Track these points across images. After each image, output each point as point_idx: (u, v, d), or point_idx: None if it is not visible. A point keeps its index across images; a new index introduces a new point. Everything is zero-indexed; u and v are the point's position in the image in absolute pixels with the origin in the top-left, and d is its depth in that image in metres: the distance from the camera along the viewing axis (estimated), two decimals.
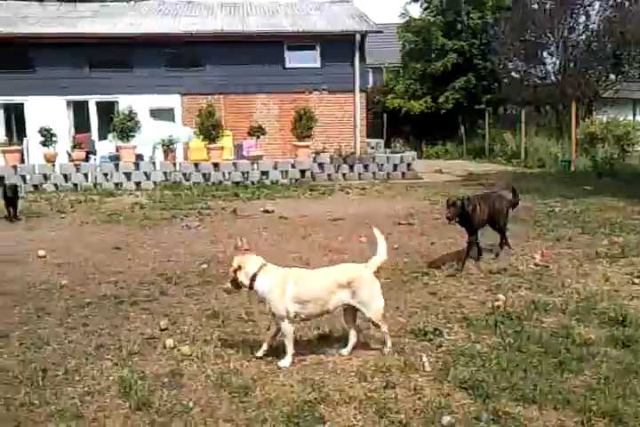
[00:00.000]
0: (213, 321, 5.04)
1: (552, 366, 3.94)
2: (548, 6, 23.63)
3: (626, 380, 3.71)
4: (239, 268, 4.18)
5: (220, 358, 4.26)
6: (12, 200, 10.65)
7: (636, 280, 6.01)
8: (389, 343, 4.29)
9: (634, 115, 24.51)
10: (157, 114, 19.26)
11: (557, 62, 24.31)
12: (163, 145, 15.67)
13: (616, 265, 6.69)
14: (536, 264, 6.73)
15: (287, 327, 4.14)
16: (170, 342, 4.52)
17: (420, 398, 3.58)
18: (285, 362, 4.13)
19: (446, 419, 3.29)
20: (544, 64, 25.02)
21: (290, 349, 4.15)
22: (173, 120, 19.70)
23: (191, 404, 3.58)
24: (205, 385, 3.84)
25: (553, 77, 24.50)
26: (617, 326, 4.65)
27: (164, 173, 15.46)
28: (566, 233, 8.52)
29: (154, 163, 15.85)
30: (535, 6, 24.30)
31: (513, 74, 26.13)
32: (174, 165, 15.69)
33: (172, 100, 19.92)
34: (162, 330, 4.83)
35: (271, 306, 4.15)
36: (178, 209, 11.64)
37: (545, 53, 24.84)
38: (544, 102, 24.81)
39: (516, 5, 24.43)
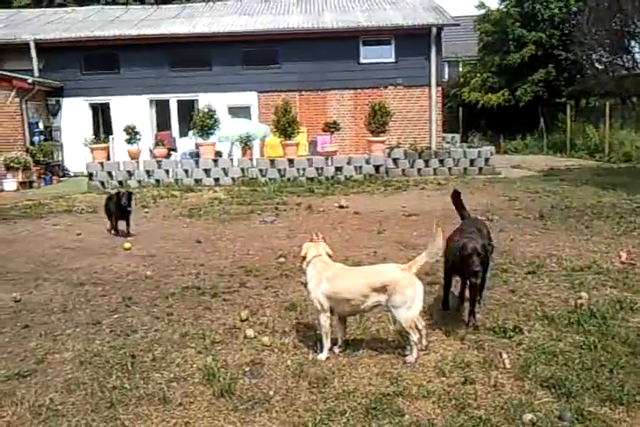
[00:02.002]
0: (291, 313, 5.15)
1: (639, 367, 3.80)
2: None
3: None
4: (305, 255, 4.36)
5: (299, 349, 4.36)
6: (125, 212, 9.09)
7: None
8: (415, 354, 4.02)
9: None
10: (235, 111, 19.71)
11: None
12: (240, 142, 16.01)
13: None
14: (622, 262, 6.47)
15: (322, 320, 4.17)
16: (250, 332, 4.66)
17: (499, 395, 3.54)
18: (322, 356, 4.16)
19: (528, 417, 3.24)
20: (631, 54, 23.82)
21: (325, 343, 4.17)
22: (250, 117, 20.08)
23: (271, 393, 3.68)
24: (285, 375, 3.93)
25: None
26: None
27: (242, 170, 15.81)
28: None
29: (232, 159, 16.22)
30: None
31: (597, 65, 25.03)
32: (251, 161, 16.01)
33: (249, 98, 20.31)
34: (242, 321, 4.98)
35: (309, 296, 4.26)
36: (255, 204, 11.90)
37: (632, 42, 23.64)
38: (631, 94, 23.64)
39: None
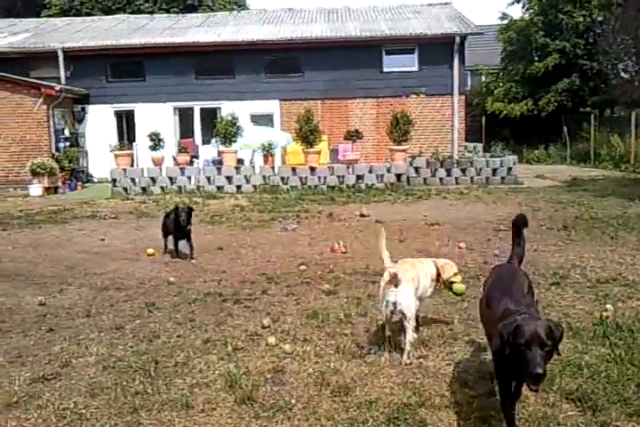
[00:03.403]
0: (313, 321, 5.14)
1: None
2: None
3: None
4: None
5: (320, 357, 4.35)
6: (184, 231, 7.84)
7: None
8: (405, 357, 4.16)
9: None
10: (257, 119, 19.85)
11: None
12: (262, 150, 16.10)
13: None
14: None
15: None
16: (272, 339, 4.66)
17: (524, 408, 3.49)
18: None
19: None
20: None
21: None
22: (272, 125, 20.19)
23: (293, 400, 3.68)
24: (307, 383, 3.93)
25: None
26: None
27: (263, 177, 15.88)
28: None
29: (254, 167, 16.32)
30: None
31: (623, 74, 24.75)
32: (273, 169, 16.08)
33: (272, 106, 20.44)
34: (264, 328, 4.99)
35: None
36: (276, 212, 11.94)
37: None
38: None
39: (628, 2, 23.13)
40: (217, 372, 4.13)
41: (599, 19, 24.90)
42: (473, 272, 6.72)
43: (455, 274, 4.82)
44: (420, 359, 4.24)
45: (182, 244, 8.05)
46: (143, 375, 4.09)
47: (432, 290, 4.80)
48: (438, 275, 4.75)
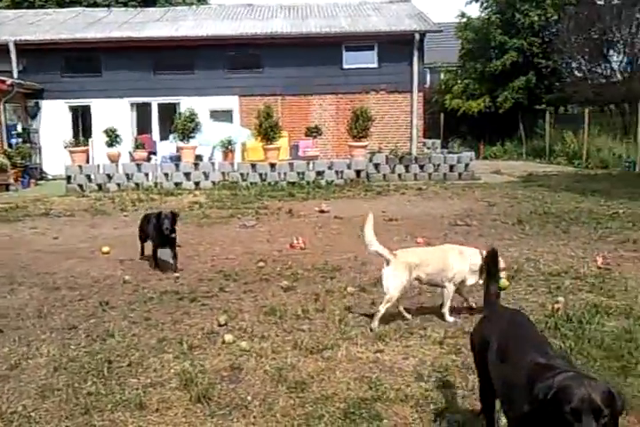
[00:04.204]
0: (271, 317, 5.12)
1: (615, 371, 3.85)
2: (615, 2, 22.86)
3: None
4: None
5: (278, 353, 4.34)
6: (167, 239, 6.92)
7: None
8: (373, 323, 4.75)
9: None
10: (217, 115, 19.67)
11: (624, 60, 23.46)
12: (221, 146, 15.96)
13: None
14: (598, 267, 6.54)
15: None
16: (229, 337, 4.63)
17: (478, 399, 3.54)
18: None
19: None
20: (609, 62, 24.19)
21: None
22: (231, 121, 20.04)
23: (250, 398, 3.66)
24: (263, 380, 3.91)
25: (619, 76, 23.66)
26: None
27: (223, 174, 15.75)
28: (630, 236, 8.24)
29: (213, 163, 16.17)
30: (601, 2, 23.53)
31: (576, 72, 25.38)
32: (232, 165, 15.97)
33: (231, 102, 20.28)
34: (221, 325, 4.95)
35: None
36: (235, 208, 11.85)
37: (611, 51, 24.01)
38: (608, 102, 24.00)
39: (581, 2, 23.71)
40: (172, 371, 4.08)
41: (554, 18, 25.45)
42: None
43: (503, 269, 4.86)
44: (377, 354, 4.26)
45: (161, 251, 7.13)
46: (96, 376, 4.00)
47: (476, 278, 5.00)
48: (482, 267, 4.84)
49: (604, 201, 11.57)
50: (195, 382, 3.82)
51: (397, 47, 19.93)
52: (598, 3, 23.53)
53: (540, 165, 20.92)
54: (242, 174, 15.73)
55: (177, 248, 7.09)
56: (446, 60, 29.88)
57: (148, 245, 7.46)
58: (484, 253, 4.74)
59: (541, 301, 5.43)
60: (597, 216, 9.91)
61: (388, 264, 4.81)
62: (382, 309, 4.78)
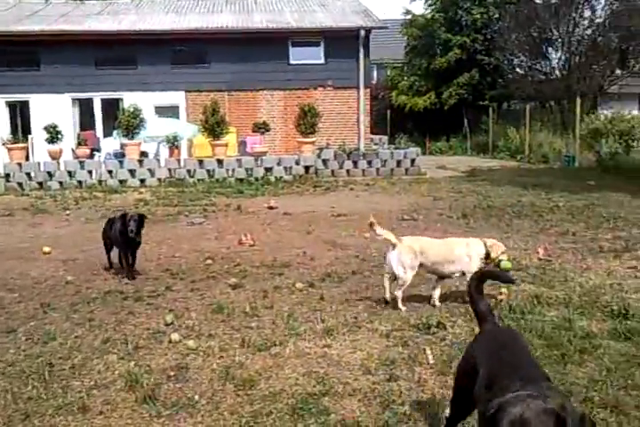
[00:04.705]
0: (218, 316, 5.07)
1: (555, 359, 3.97)
2: (553, 1, 23.56)
3: (627, 371, 3.74)
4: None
5: (225, 351, 4.30)
6: (133, 242, 6.46)
7: (639, 274, 6.03)
8: (399, 305, 5.10)
9: (639, 110, 24.40)
10: (162, 111, 19.30)
11: (562, 57, 24.23)
12: (167, 142, 15.70)
13: (619, 259, 6.70)
14: (539, 259, 6.75)
15: None
16: (175, 336, 4.56)
17: (423, 391, 3.61)
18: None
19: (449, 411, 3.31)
20: (549, 59, 24.94)
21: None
22: (178, 117, 19.73)
23: (197, 397, 3.62)
24: (211, 378, 3.87)
25: (558, 73, 24.42)
26: (619, 319, 4.67)
27: (169, 170, 15.50)
28: (570, 228, 8.53)
29: (158, 160, 15.89)
30: (540, 1, 24.21)
31: (517, 69, 26.06)
32: (179, 161, 15.73)
33: (177, 97, 19.95)
34: (167, 325, 4.87)
35: None
36: (182, 206, 11.69)
37: (550, 49, 24.76)
38: (548, 98, 24.75)
39: (521, 0, 24.34)
40: (117, 372, 3.99)
41: (496, 16, 26.04)
42: (377, 261, 6.87)
43: (503, 253, 5.32)
44: (325, 349, 4.28)
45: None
46: (37, 380, 3.88)
47: (481, 266, 5.23)
48: (487, 254, 5.25)
49: (545, 194, 11.94)
50: (140, 383, 3.75)
51: (343, 43, 19.99)
52: (537, 2, 24.19)
53: (483, 160, 21.40)
54: (189, 171, 15.51)
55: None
56: (393, 56, 30.18)
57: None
58: (487, 241, 5.33)
59: (485, 292, 5.50)
60: (539, 209, 10.21)
61: (393, 248, 5.14)
62: (399, 293, 5.11)
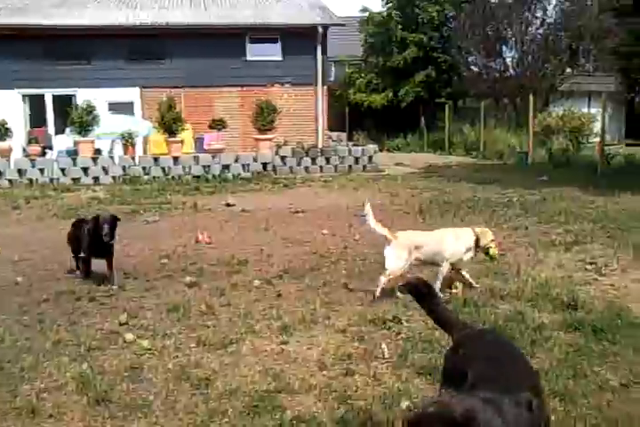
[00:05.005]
0: (174, 315, 5.01)
1: None
2: (507, 0, 24.02)
3: (576, 361, 3.84)
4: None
5: (181, 351, 4.26)
6: (105, 247, 5.99)
7: (589, 267, 6.20)
8: (376, 292, 5.21)
9: (589, 107, 25.10)
10: (116, 107, 18.93)
11: (516, 56, 24.73)
12: (122, 139, 15.42)
13: (570, 252, 6.88)
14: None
15: None
16: (129, 336, 4.48)
17: (379, 385, 3.64)
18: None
19: (405, 404, 3.35)
20: (503, 58, 25.43)
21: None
22: (133, 114, 19.39)
23: (151, 397, 3.57)
24: (166, 378, 3.82)
25: (512, 71, 24.92)
26: (569, 311, 4.79)
27: (123, 168, 15.23)
28: (523, 222, 8.72)
29: (112, 157, 15.59)
30: (495, 0, 24.64)
31: (473, 67, 26.47)
32: (133, 159, 15.47)
33: (132, 94, 19.60)
34: (121, 325, 4.78)
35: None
36: (137, 204, 11.49)
37: (504, 47, 25.26)
38: (503, 95, 25.23)
39: (475, 0, 24.73)
40: (68, 374, 3.89)
41: (452, 14, 26.40)
42: (335, 257, 6.90)
43: (492, 240, 5.53)
44: (282, 345, 4.27)
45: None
46: None
47: (471, 254, 5.50)
48: (477, 242, 5.44)
49: (499, 190, 12.18)
50: (93, 385, 3.67)
51: (301, 40, 19.98)
52: (492, 1, 24.63)
53: (440, 157, 21.69)
54: (144, 168, 15.27)
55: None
56: (351, 54, 30.27)
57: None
58: (476, 229, 5.55)
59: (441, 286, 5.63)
60: (493, 204, 10.41)
61: (389, 244, 5.27)
62: (383, 281, 5.23)
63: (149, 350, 4.26)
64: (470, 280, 5.53)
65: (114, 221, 6.01)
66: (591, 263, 6.29)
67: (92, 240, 5.97)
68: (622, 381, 3.57)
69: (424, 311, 2.95)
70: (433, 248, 5.41)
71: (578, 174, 14.37)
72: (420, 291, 2.85)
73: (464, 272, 5.56)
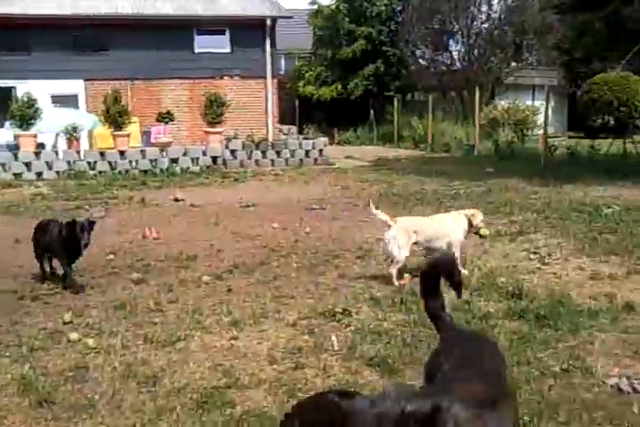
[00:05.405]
0: (120, 312, 4.90)
1: None
2: None
3: (520, 348, 3.94)
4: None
5: (128, 348, 4.17)
6: (78, 253, 5.64)
7: (532, 256, 6.37)
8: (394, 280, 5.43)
9: (533, 100, 25.76)
10: (60, 100, 18.37)
11: (462, 50, 25.14)
12: (66, 133, 14.98)
13: (515, 242, 7.06)
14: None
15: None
16: (74, 335, 4.37)
17: (329, 377, 3.65)
18: None
19: None
20: (450, 51, 25.82)
21: None
22: (77, 107, 18.85)
23: (97, 397, 3.48)
24: (112, 377, 3.74)
25: (458, 64, 25.33)
26: (514, 300, 4.91)
27: (68, 163, 14.80)
28: None
29: (56, 152, 15.13)
30: None
31: (421, 61, 26.78)
32: (78, 153, 15.05)
33: (76, 86, 19.06)
34: (65, 324, 4.65)
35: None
36: (82, 199, 11.20)
37: (451, 41, 25.64)
38: (450, 89, 25.64)
39: None
40: (9, 376, 3.76)
41: (399, 8, 26.62)
42: (285, 251, 6.89)
43: (481, 220, 5.96)
44: (231, 341, 4.24)
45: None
46: None
47: (465, 234, 5.86)
48: (470, 224, 5.82)
49: (446, 182, 12.38)
50: (35, 386, 3.57)
51: (250, 32, 19.83)
52: None
53: (389, 150, 21.89)
54: (89, 163, 14.87)
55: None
56: (300, 46, 30.19)
57: None
58: (467, 212, 5.96)
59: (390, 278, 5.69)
60: (440, 196, 10.58)
61: (389, 229, 5.47)
62: (393, 271, 5.44)
63: (95, 348, 4.17)
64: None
65: (91, 225, 5.58)
66: (535, 253, 6.47)
67: (68, 247, 5.54)
68: (563, 366, 3.69)
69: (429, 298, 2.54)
70: (432, 233, 5.68)
71: (522, 166, 14.75)
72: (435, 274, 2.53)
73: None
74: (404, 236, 5.47)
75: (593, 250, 6.51)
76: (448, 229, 5.74)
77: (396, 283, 5.41)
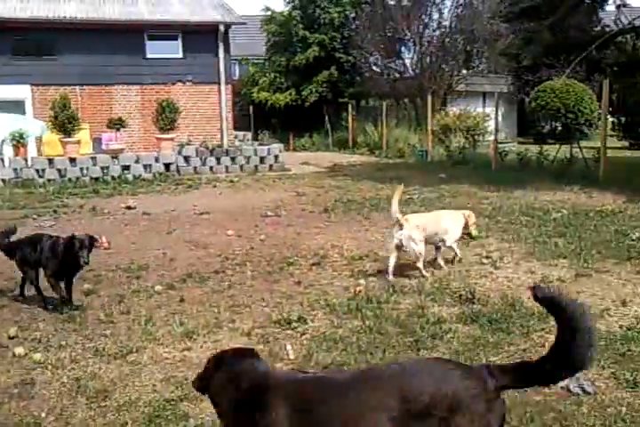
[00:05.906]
0: (69, 325, 4.77)
1: (409, 345, 4.15)
2: (404, 3, 24.68)
3: (474, 352, 3.99)
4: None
5: (77, 362, 4.06)
6: (76, 267, 5.19)
7: (485, 260, 6.47)
8: (423, 272, 5.85)
9: (483, 107, 26.30)
10: (5, 106, 17.78)
11: (414, 57, 25.48)
12: (12, 139, 14.53)
13: (467, 247, 7.15)
14: None
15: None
16: (20, 350, 4.22)
17: None
18: None
19: None
20: (402, 59, 26.14)
21: None
22: (23, 113, 18.30)
23: (43, 414, 3.37)
24: (60, 393, 3.63)
25: (411, 71, 25.65)
26: (467, 304, 4.98)
27: (15, 170, 14.35)
28: None
29: (2, 159, 14.65)
30: (392, 2, 25.27)
31: (374, 68, 27.02)
32: (26, 160, 14.62)
33: (22, 92, 18.49)
34: (10, 338, 4.49)
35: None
36: (30, 208, 10.86)
37: (403, 48, 25.97)
38: (403, 95, 25.93)
39: (374, 1, 25.26)
40: None
41: (352, 15, 26.83)
42: (240, 258, 6.82)
43: (473, 223, 6.54)
44: (184, 352, 4.16)
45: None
46: None
47: (462, 231, 6.34)
48: (466, 223, 6.33)
49: (401, 188, 12.46)
50: None
51: (202, 38, 19.62)
52: (390, 3, 25.24)
53: (345, 156, 21.98)
54: (37, 171, 14.46)
55: None
56: (254, 52, 30.13)
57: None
58: (464, 212, 6.42)
59: (345, 284, 5.70)
60: None
61: (401, 228, 5.76)
62: (420, 264, 5.84)
63: (42, 363, 4.04)
64: (440, 260, 6.24)
65: (92, 242, 5.17)
66: (487, 257, 6.57)
67: (65, 264, 5.14)
68: None
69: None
70: (434, 227, 6.06)
71: (474, 171, 15.02)
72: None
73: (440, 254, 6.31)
74: (417, 232, 5.81)
75: (543, 254, 6.65)
76: (448, 225, 6.17)
77: (426, 274, 5.82)
